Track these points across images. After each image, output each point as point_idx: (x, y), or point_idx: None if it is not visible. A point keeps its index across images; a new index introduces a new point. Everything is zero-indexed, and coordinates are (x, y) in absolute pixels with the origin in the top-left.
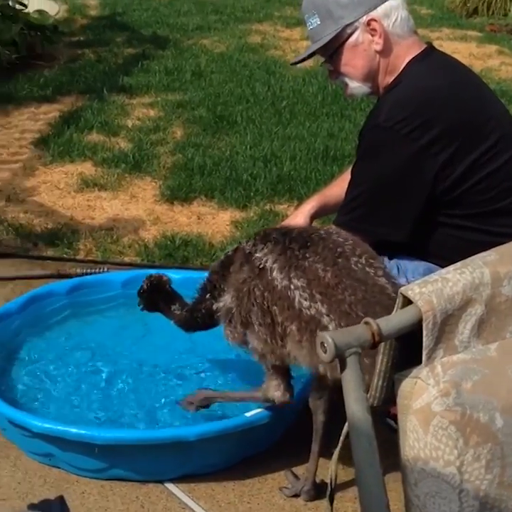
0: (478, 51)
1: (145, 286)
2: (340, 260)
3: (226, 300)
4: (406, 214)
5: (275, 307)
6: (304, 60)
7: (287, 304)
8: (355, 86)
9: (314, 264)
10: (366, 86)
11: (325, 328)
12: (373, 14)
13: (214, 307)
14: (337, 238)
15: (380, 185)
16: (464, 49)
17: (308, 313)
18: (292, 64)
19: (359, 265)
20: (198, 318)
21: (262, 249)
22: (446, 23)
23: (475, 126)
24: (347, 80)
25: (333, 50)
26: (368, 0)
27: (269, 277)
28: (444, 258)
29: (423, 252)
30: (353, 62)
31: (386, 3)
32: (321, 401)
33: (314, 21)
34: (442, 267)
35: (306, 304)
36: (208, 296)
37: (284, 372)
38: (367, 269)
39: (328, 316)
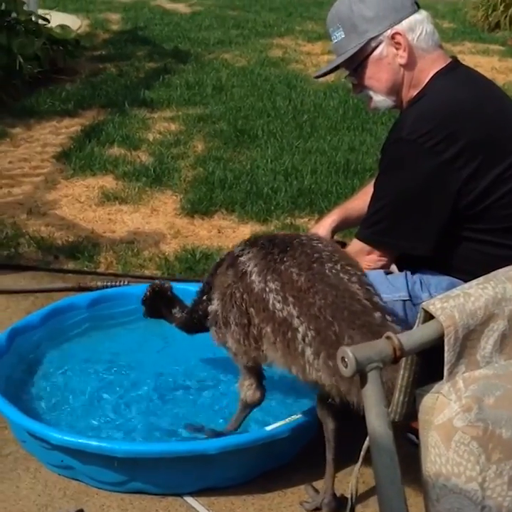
0: (500, 65)
1: (148, 294)
2: (315, 265)
3: (214, 302)
4: (429, 228)
5: (252, 309)
6: (327, 73)
7: (263, 306)
8: (380, 99)
9: (290, 269)
10: (390, 99)
11: (295, 330)
12: (398, 28)
13: (209, 309)
14: (317, 244)
15: (403, 198)
16: (486, 63)
17: (281, 315)
18: (316, 77)
19: (333, 271)
20: (195, 319)
21: (248, 253)
22: (468, 37)
23: (499, 140)
24: (371, 93)
25: (357, 63)
26: (392, 14)
27: (248, 280)
28: (468, 273)
29: (446, 266)
30: (378, 76)
31: (411, 17)
32: (327, 409)
33: (339, 35)
34: (466, 281)
35: (279, 306)
36: (204, 297)
37: (256, 372)
38: (341, 274)
39: (298, 318)
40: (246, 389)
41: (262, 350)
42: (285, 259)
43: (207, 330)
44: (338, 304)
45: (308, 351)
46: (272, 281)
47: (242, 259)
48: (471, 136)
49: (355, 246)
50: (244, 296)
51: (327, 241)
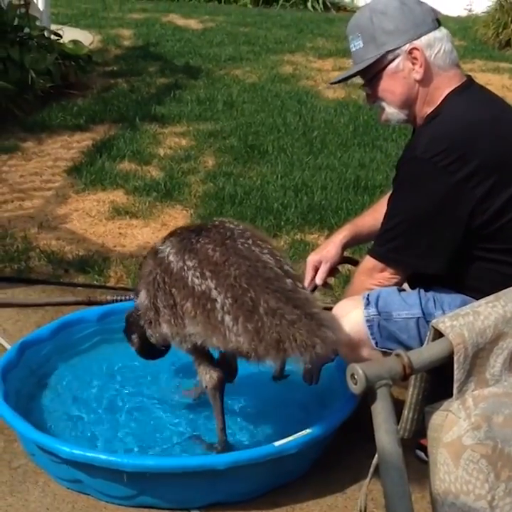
0: (511, 83)
1: (125, 325)
2: (228, 242)
3: (142, 294)
4: (442, 247)
5: (174, 289)
6: (343, 80)
7: (183, 284)
8: (392, 112)
9: (205, 246)
10: (403, 113)
11: (214, 301)
12: (416, 43)
13: (137, 302)
14: (229, 225)
15: (416, 217)
16: (497, 81)
17: (200, 289)
18: (332, 83)
19: (245, 245)
20: (144, 338)
21: (166, 242)
22: (479, 54)
23: None
24: (384, 104)
25: (373, 74)
26: (412, 29)
27: (167, 262)
28: (481, 292)
29: (461, 285)
30: (392, 88)
31: (431, 33)
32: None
33: (357, 43)
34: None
35: (197, 281)
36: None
37: (205, 356)
38: (253, 248)
39: (216, 289)
40: (202, 376)
41: (187, 328)
42: (200, 239)
43: (161, 354)
44: (252, 272)
45: (228, 318)
46: (190, 260)
47: (161, 248)
48: (485, 156)
49: (368, 263)
50: (166, 279)
51: (239, 223)
